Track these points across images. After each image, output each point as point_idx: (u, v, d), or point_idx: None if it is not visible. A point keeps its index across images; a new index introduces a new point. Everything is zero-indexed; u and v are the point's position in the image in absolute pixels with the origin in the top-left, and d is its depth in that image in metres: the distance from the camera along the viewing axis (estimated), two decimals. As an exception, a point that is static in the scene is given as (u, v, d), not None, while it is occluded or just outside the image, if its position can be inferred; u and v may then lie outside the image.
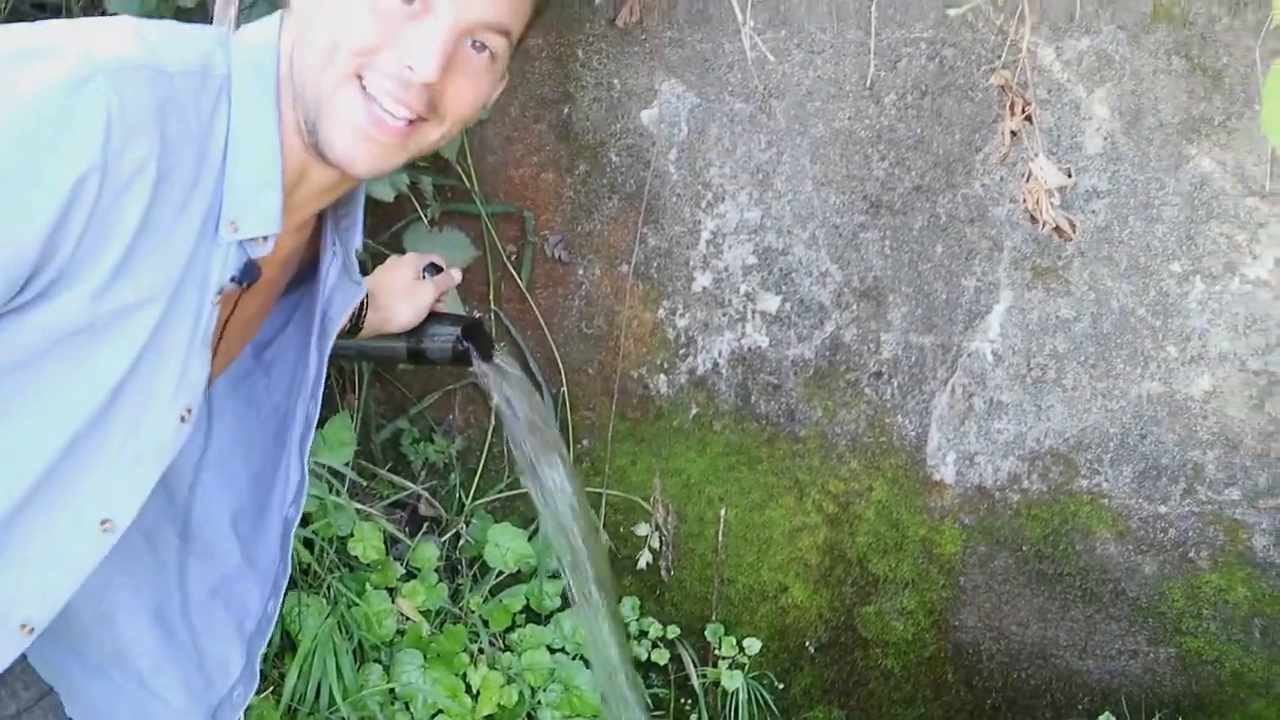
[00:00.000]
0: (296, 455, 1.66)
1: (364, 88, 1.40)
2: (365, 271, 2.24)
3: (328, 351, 1.64)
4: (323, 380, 1.65)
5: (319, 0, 1.39)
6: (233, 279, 1.38)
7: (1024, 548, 2.51)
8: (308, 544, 2.57)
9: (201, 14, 2.42)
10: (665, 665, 2.75)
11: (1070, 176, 1.95)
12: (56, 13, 3.05)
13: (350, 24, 1.38)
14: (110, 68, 1.22)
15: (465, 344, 2.12)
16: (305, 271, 1.67)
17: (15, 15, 2.91)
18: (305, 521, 2.57)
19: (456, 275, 2.14)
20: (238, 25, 1.79)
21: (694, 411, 2.66)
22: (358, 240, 1.64)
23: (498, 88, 1.50)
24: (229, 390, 1.75)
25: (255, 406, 1.77)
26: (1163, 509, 2.40)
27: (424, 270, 2.13)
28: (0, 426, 1.31)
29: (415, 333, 2.12)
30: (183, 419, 1.40)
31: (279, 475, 1.72)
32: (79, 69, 1.20)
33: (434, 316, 2.15)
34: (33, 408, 1.31)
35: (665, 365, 2.66)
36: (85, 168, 1.18)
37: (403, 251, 2.56)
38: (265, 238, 1.40)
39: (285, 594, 1.76)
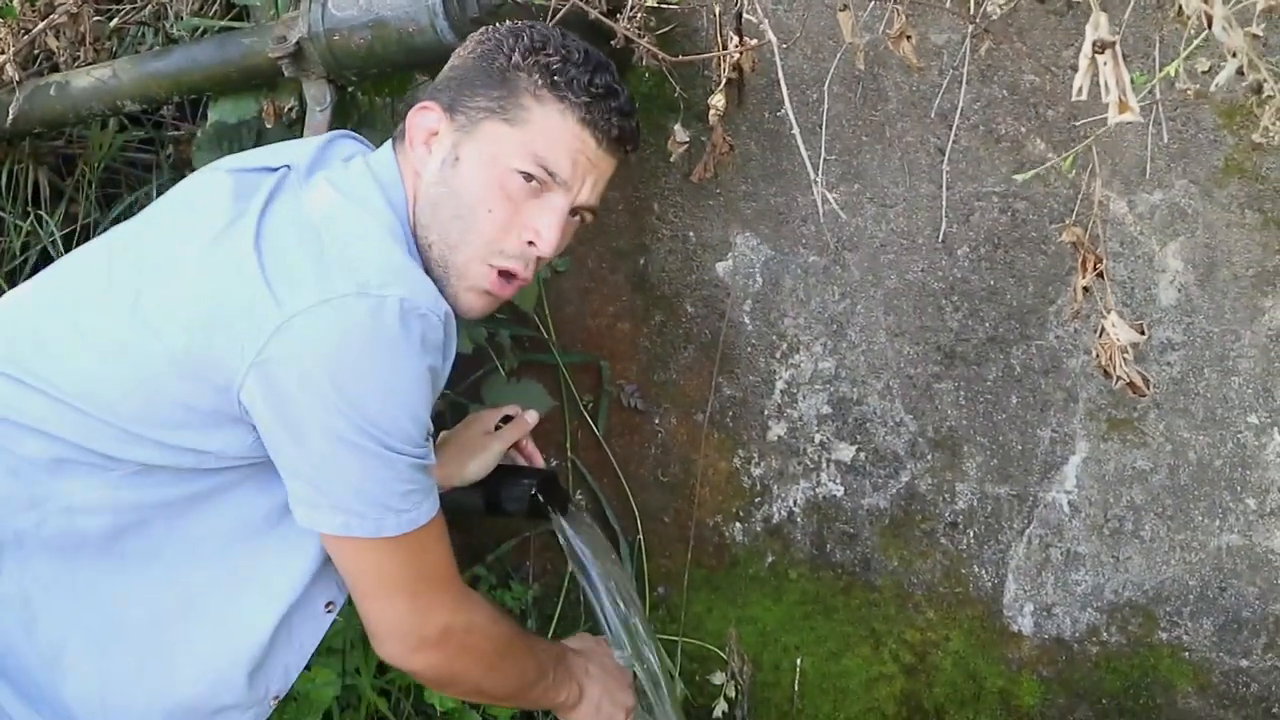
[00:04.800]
0: None
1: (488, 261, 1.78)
2: (445, 426, 2.29)
3: None
4: None
5: (447, 180, 1.75)
6: None
7: (1104, 701, 2.47)
8: (384, 694, 2.59)
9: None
10: (741, 815, 2.73)
11: (1143, 333, 1.95)
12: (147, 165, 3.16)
13: (479, 205, 1.74)
14: None
15: (541, 497, 2.15)
16: None
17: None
18: (381, 671, 2.59)
19: (531, 418, 2.21)
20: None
21: (769, 560, 2.67)
22: None
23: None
24: None
25: None
26: (1244, 663, 2.36)
27: (498, 423, 2.18)
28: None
29: (492, 486, 2.17)
30: None
31: None
32: None
33: (511, 470, 2.20)
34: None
35: (741, 513, 2.67)
36: None
37: (481, 402, 2.60)
38: None
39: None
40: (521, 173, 1.74)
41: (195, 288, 1.61)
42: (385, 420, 1.59)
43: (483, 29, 1.84)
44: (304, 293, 1.54)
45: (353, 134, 1.99)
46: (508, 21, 1.84)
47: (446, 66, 1.86)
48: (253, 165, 1.80)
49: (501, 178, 1.73)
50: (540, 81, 1.74)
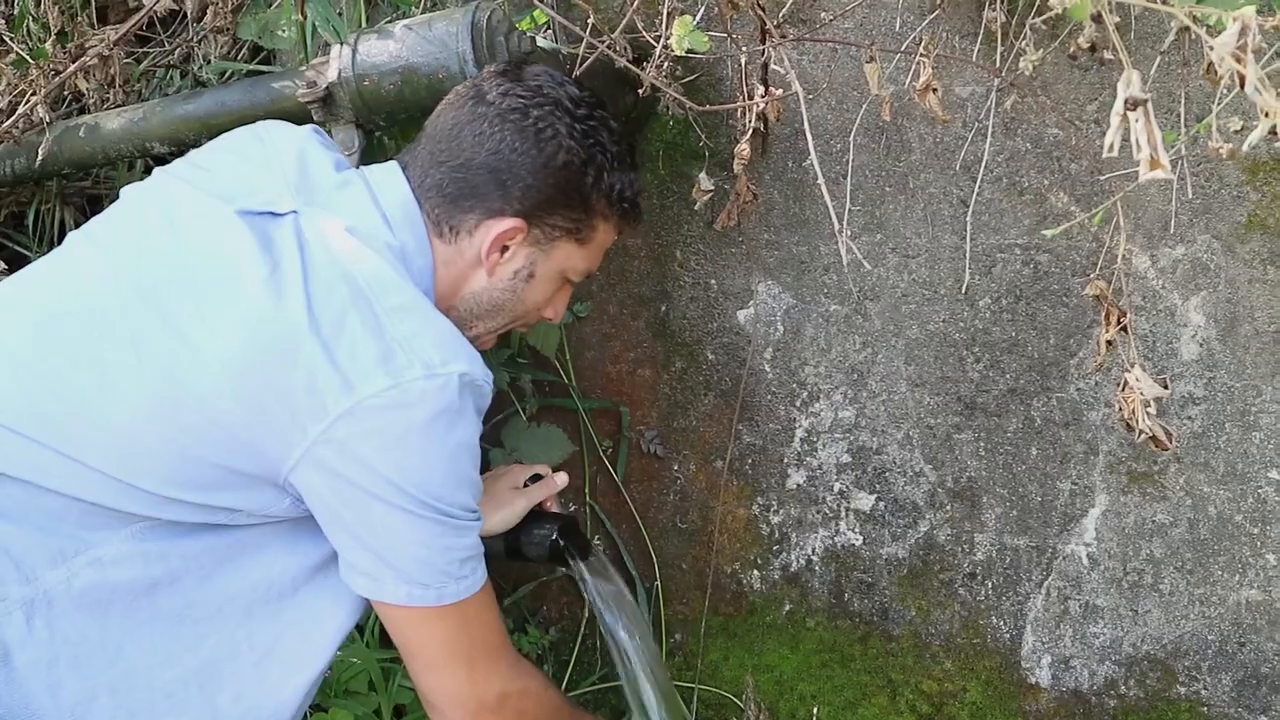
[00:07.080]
0: None
1: None
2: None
3: None
4: None
5: (517, 290, 1.92)
6: None
7: (1122, 755, 2.47)
8: (403, 736, 2.58)
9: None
10: None
11: (1166, 387, 1.96)
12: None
13: (535, 309, 1.96)
14: None
15: (562, 543, 2.16)
16: None
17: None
18: (399, 714, 2.59)
19: (560, 480, 2.23)
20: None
21: (787, 608, 2.67)
22: None
23: None
24: None
25: None
26: (1263, 719, 2.36)
27: (527, 480, 2.20)
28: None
29: (513, 531, 2.18)
30: None
31: None
32: None
33: (533, 515, 2.20)
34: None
35: (759, 561, 2.67)
36: None
37: (501, 445, 2.61)
38: None
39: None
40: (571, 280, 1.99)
41: (244, 353, 1.58)
42: (447, 492, 1.63)
43: (535, 119, 1.82)
44: (373, 378, 1.56)
45: (317, 131, 1.99)
46: (547, 91, 1.84)
47: (516, 166, 1.83)
48: (256, 209, 1.75)
49: (558, 284, 1.96)
50: (613, 209, 1.92)
